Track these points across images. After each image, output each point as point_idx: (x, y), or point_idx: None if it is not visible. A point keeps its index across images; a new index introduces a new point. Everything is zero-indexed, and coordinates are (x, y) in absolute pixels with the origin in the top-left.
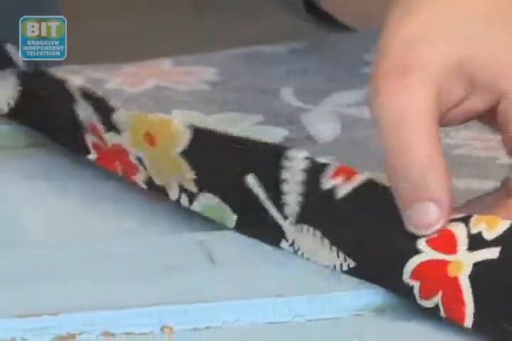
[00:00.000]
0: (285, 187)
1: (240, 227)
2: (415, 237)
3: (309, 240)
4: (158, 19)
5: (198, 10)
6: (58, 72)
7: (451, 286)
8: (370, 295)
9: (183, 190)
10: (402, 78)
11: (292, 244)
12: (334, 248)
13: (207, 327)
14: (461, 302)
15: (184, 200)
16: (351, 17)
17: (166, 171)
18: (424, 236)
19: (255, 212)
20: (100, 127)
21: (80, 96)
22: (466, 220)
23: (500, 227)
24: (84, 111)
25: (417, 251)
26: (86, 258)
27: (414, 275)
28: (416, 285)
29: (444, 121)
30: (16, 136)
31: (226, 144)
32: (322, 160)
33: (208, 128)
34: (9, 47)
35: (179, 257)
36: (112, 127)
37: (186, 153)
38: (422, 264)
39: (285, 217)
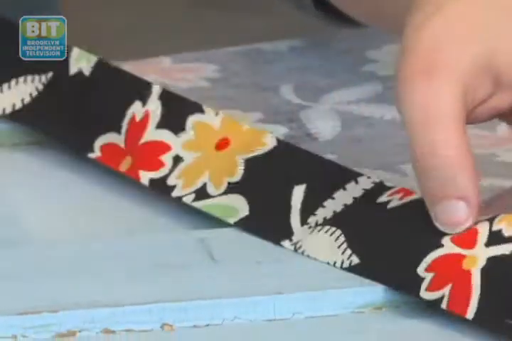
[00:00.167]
0: (328, 203)
1: (242, 224)
2: (441, 234)
3: (320, 239)
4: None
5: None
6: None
7: (463, 278)
8: (371, 292)
9: (199, 190)
10: (429, 78)
11: (294, 243)
12: (344, 245)
13: (207, 325)
14: (468, 294)
15: (188, 198)
16: (361, 13)
17: (208, 171)
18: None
19: (271, 214)
20: (147, 125)
21: (157, 95)
22: (491, 219)
23: None
24: (141, 111)
25: (439, 246)
26: (86, 255)
27: (432, 267)
28: (428, 276)
29: (470, 118)
30: (15, 133)
31: (301, 158)
32: (388, 183)
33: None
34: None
35: (179, 255)
36: (178, 126)
37: (252, 160)
38: (440, 257)
39: (304, 223)
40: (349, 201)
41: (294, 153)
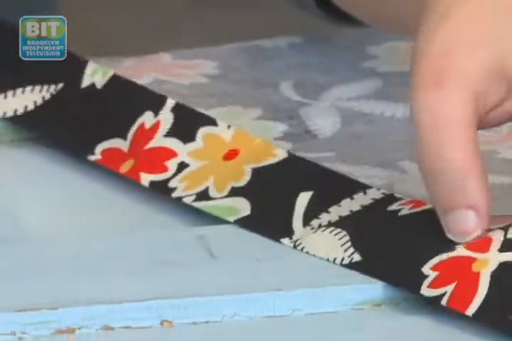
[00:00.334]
0: (333, 209)
1: (242, 223)
2: (454, 242)
3: (322, 237)
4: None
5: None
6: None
7: (470, 279)
8: (370, 289)
9: (200, 192)
10: (440, 85)
11: (294, 241)
12: (348, 244)
13: (206, 322)
14: (472, 293)
15: (188, 199)
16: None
17: (212, 177)
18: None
19: (272, 215)
20: (156, 133)
21: (170, 107)
22: (506, 228)
23: None
24: (152, 120)
25: (450, 250)
26: (85, 252)
27: (438, 266)
28: (433, 274)
29: (483, 123)
30: (14, 130)
31: (310, 169)
32: (398, 195)
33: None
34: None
35: (178, 251)
36: (187, 135)
37: (260, 169)
38: (449, 258)
39: (306, 225)
40: (356, 208)
41: (303, 164)
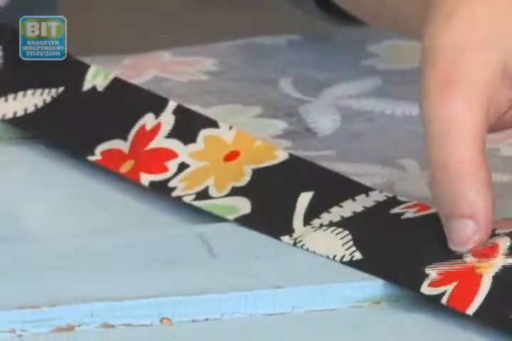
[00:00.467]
0: (335, 209)
1: (242, 221)
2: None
3: (323, 235)
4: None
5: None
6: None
7: (472, 279)
8: (370, 286)
9: (200, 192)
10: (447, 93)
11: (294, 238)
12: (350, 243)
13: (206, 319)
14: (473, 293)
15: (188, 198)
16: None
17: (213, 177)
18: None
19: (273, 214)
20: (157, 134)
21: (171, 109)
22: (511, 234)
23: None
24: (153, 122)
25: (457, 257)
26: (85, 250)
27: (441, 267)
28: (434, 274)
29: (498, 125)
30: (12, 127)
31: (312, 170)
32: (402, 198)
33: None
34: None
35: (178, 249)
36: (188, 137)
37: (260, 169)
38: (454, 261)
39: (306, 224)
40: (359, 209)
41: (304, 165)
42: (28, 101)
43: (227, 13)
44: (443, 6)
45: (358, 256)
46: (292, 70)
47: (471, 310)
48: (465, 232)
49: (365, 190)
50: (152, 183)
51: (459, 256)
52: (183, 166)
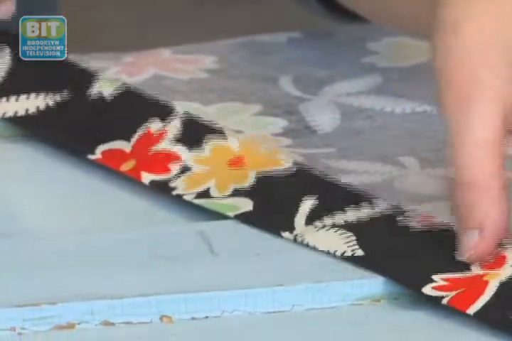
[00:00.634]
0: (338, 213)
1: (242, 218)
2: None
3: (325, 234)
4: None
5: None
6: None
7: (477, 285)
8: (370, 284)
9: (201, 192)
10: (467, 106)
11: (295, 235)
12: (354, 242)
13: (206, 317)
14: (476, 296)
15: (188, 197)
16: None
17: (215, 179)
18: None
19: (274, 213)
20: (162, 138)
21: (179, 117)
22: None
23: None
24: (158, 127)
25: (465, 268)
26: (85, 247)
27: (446, 275)
28: (439, 280)
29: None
30: (12, 125)
31: (317, 178)
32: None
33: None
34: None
35: (178, 247)
36: (194, 143)
37: (264, 174)
38: (461, 273)
39: (309, 224)
40: (363, 216)
41: (310, 173)
42: (30, 103)
43: (227, 10)
44: (449, 16)
45: (359, 253)
46: (292, 68)
47: (471, 310)
48: (469, 241)
49: (370, 198)
50: (153, 182)
51: (466, 268)
52: (185, 169)
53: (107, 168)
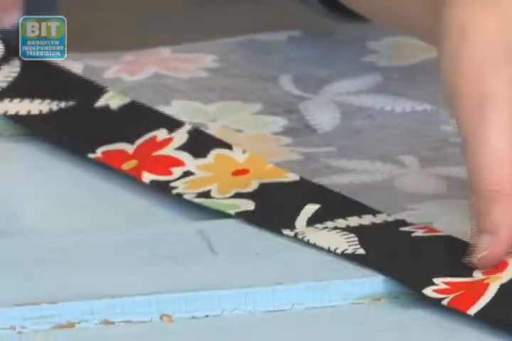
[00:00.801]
0: (340, 220)
1: (243, 216)
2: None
3: (327, 234)
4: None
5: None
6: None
7: (478, 288)
8: (370, 283)
9: (202, 193)
10: (480, 122)
11: (296, 232)
12: (356, 242)
13: (206, 316)
14: (477, 298)
15: (189, 196)
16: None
17: (217, 183)
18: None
19: (276, 214)
20: (167, 145)
21: (186, 130)
22: None
23: None
24: (165, 136)
25: (467, 274)
26: (85, 247)
27: (447, 279)
28: (441, 284)
29: None
30: (14, 124)
31: (321, 191)
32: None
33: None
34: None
35: (179, 246)
36: (199, 152)
37: (269, 184)
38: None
39: (310, 226)
40: (366, 223)
41: (314, 186)
42: (33, 106)
43: (227, 9)
44: (455, 21)
45: (360, 251)
46: (292, 67)
47: (472, 311)
48: (481, 244)
49: (373, 211)
50: (153, 181)
51: (468, 274)
52: (188, 173)
53: (108, 168)
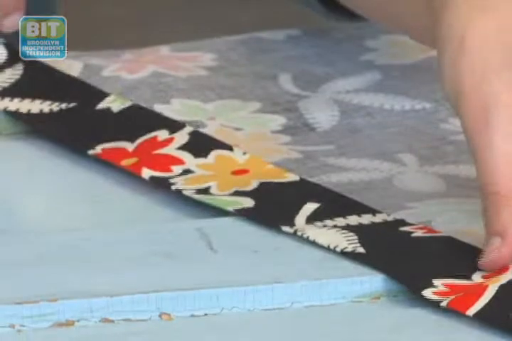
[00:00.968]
0: (339, 219)
1: (242, 213)
2: (473, 270)
3: (327, 231)
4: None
5: None
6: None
7: (477, 289)
8: (370, 282)
9: (201, 189)
10: (485, 130)
11: (295, 229)
12: (356, 241)
13: (205, 314)
14: (475, 299)
15: (188, 192)
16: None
17: (216, 181)
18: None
19: (275, 210)
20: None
21: (187, 132)
22: None
23: None
24: (165, 136)
25: (466, 277)
26: (85, 244)
27: (447, 281)
28: (440, 286)
29: None
30: (13, 122)
31: (321, 191)
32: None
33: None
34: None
35: (178, 244)
36: (200, 153)
37: (269, 183)
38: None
39: (309, 223)
40: (366, 222)
41: (314, 185)
42: (34, 105)
43: (226, 8)
44: (454, 29)
45: (360, 250)
46: (291, 65)
47: (471, 312)
48: (490, 246)
49: (373, 211)
50: (153, 178)
51: (468, 275)
52: (187, 171)
53: (108, 167)
